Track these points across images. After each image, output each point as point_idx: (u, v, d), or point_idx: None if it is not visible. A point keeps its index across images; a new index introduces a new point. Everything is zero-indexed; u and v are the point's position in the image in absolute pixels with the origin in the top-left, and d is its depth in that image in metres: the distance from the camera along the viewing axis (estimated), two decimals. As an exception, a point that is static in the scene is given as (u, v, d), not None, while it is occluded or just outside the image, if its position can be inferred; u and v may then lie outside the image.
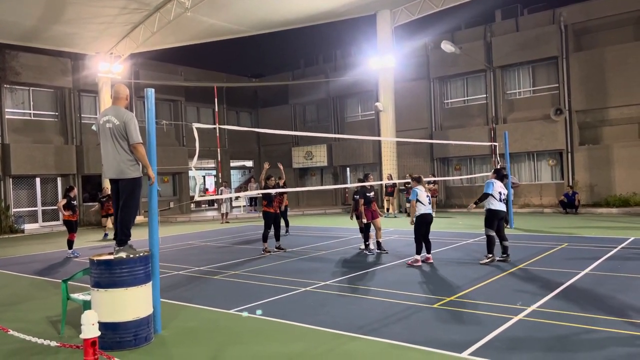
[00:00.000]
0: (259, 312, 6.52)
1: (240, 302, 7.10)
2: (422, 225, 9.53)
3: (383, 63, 22.06)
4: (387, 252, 10.97)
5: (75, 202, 13.08)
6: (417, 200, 9.50)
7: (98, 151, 23.22)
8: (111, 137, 5.66)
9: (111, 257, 5.54)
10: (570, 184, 19.72)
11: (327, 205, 27.07)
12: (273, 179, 11.94)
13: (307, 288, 7.89)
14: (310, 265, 9.97)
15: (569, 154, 20.36)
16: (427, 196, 9.62)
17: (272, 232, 11.78)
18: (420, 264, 9.28)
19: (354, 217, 11.49)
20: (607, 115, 19.75)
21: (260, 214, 13.48)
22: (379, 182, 20.13)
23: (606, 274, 7.97)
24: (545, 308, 6.18)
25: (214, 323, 6.29)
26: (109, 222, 16.24)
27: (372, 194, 11.11)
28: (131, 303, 5.33)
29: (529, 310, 6.11)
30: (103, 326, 4.69)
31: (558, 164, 21.07)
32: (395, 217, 20.18)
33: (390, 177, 20.84)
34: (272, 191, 12.26)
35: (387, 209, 20.94)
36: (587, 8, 20.20)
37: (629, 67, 18.43)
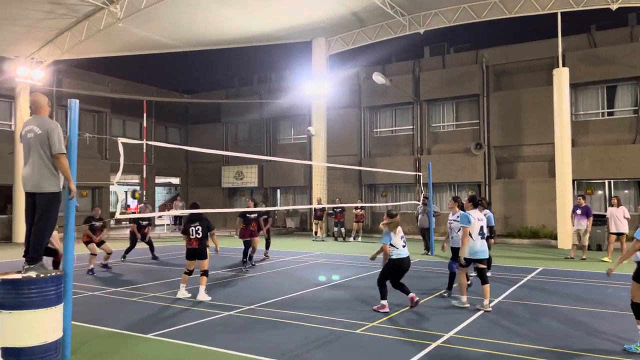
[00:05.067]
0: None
1: (158, 326, 6.81)
2: (394, 271, 7.82)
3: (317, 89, 22.47)
4: (254, 266, 12.34)
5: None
6: (391, 245, 7.76)
7: (10, 160, 21.28)
8: (32, 147, 5.34)
9: (19, 276, 5.15)
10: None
11: (255, 226, 26.76)
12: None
13: (231, 312, 7.71)
14: (234, 289, 9.77)
15: (487, 186, 21.58)
16: (402, 237, 7.88)
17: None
18: (387, 309, 7.66)
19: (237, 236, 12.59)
20: (521, 152, 21.20)
21: None
22: (308, 207, 20.25)
23: (517, 302, 8.45)
24: (462, 335, 6.44)
25: (128, 348, 5.98)
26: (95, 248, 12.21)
27: (253, 215, 12.38)
28: (39, 326, 4.96)
29: (447, 336, 6.34)
30: (4, 352, 4.32)
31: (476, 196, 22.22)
32: (323, 240, 20.32)
33: (319, 201, 21.04)
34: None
35: (316, 233, 21.05)
36: (507, 51, 21.77)
37: (541, 108, 19.95)
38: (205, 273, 8.64)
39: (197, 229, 8.41)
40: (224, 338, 6.30)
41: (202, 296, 8.49)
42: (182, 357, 5.66)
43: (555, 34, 17.88)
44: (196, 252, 8.55)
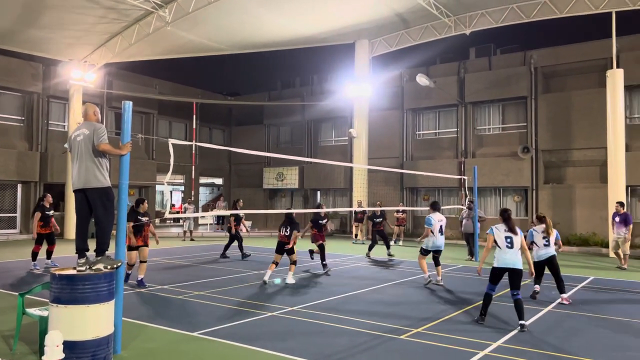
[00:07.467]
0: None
1: (203, 325, 6.92)
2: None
3: (359, 91, 22.38)
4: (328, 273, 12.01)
5: (50, 211, 11.86)
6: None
7: (63, 159, 22.20)
8: (81, 148, 5.62)
9: (73, 271, 5.34)
10: (534, 220, 20.16)
11: (295, 228, 26.89)
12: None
13: (274, 313, 7.75)
14: (276, 290, 9.83)
15: (534, 192, 20.93)
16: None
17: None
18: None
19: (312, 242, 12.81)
20: (571, 156, 20.45)
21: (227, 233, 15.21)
22: (348, 209, 20.17)
23: (568, 312, 8.13)
24: (511, 344, 6.24)
25: (175, 345, 6.09)
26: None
27: (324, 221, 12.76)
28: (92, 321, 5.12)
29: (494, 346, 6.16)
30: (60, 345, 4.47)
31: (523, 201, 21.60)
32: (363, 243, 20.18)
33: (360, 204, 20.92)
34: (243, 212, 14.02)
35: (356, 235, 20.95)
36: (557, 52, 21.08)
37: (593, 111, 19.20)
38: (294, 262, 10.68)
39: (287, 228, 10.53)
40: (267, 339, 6.33)
41: (290, 279, 10.48)
42: (227, 356, 5.71)
43: (609, 34, 17.17)
44: (285, 246, 10.51)
